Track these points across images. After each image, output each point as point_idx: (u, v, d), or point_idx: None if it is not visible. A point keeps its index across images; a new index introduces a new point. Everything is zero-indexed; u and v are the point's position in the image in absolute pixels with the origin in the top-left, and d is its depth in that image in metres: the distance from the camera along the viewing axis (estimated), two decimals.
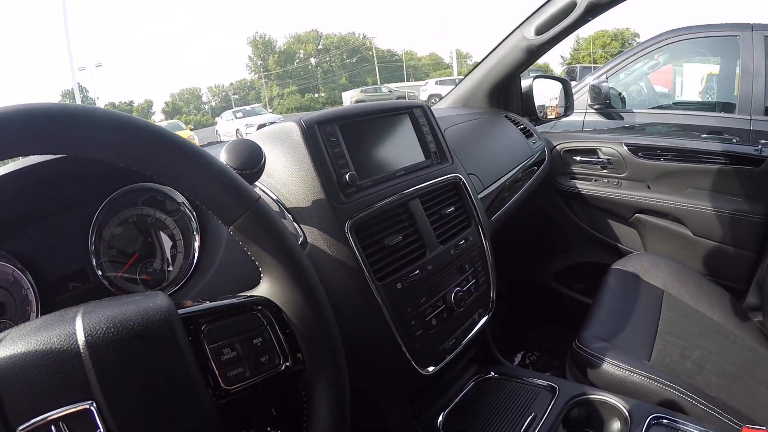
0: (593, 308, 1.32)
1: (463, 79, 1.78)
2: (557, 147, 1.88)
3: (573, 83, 2.63)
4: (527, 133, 1.65)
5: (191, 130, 21.57)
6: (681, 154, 1.69)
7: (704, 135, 2.62)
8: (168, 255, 0.73)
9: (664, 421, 0.91)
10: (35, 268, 0.61)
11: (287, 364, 0.45)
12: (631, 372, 1.05)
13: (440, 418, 0.94)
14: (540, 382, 1.02)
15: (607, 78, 3.11)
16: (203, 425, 0.39)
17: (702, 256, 1.65)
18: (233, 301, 0.46)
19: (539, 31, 1.52)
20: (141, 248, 0.72)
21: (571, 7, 1.41)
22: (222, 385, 0.42)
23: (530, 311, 2.04)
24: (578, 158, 1.87)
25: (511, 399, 0.98)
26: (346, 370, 0.49)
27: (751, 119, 2.68)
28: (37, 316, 0.60)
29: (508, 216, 1.39)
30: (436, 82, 22.25)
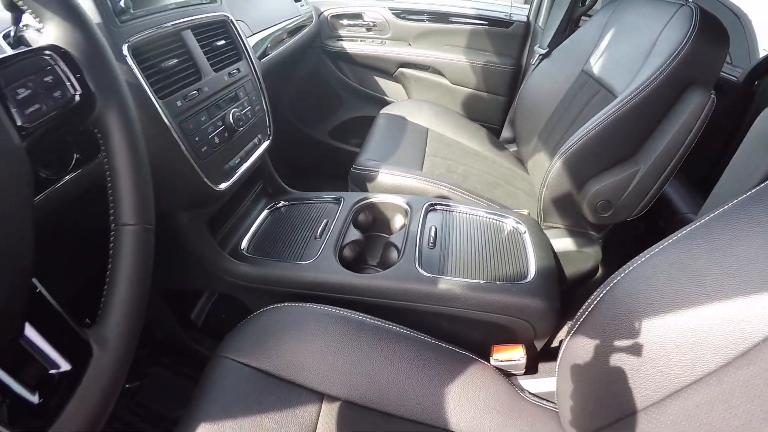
0: (366, 142, 1.33)
1: None
2: (325, 12, 1.87)
3: None
4: None
5: None
6: (439, 16, 1.81)
7: None
8: None
9: (438, 206, 0.95)
10: None
11: (79, 93, 0.47)
12: (405, 177, 1.08)
13: (243, 243, 1.01)
14: (326, 197, 1.10)
15: None
16: (9, 158, 0.40)
17: (461, 101, 1.81)
18: (20, 50, 0.46)
19: None
20: None
21: None
22: (21, 122, 0.43)
23: (307, 168, 2.07)
24: (345, 22, 1.88)
25: (303, 216, 1.07)
26: (131, 99, 0.52)
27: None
28: None
29: (275, 62, 1.42)
30: None
